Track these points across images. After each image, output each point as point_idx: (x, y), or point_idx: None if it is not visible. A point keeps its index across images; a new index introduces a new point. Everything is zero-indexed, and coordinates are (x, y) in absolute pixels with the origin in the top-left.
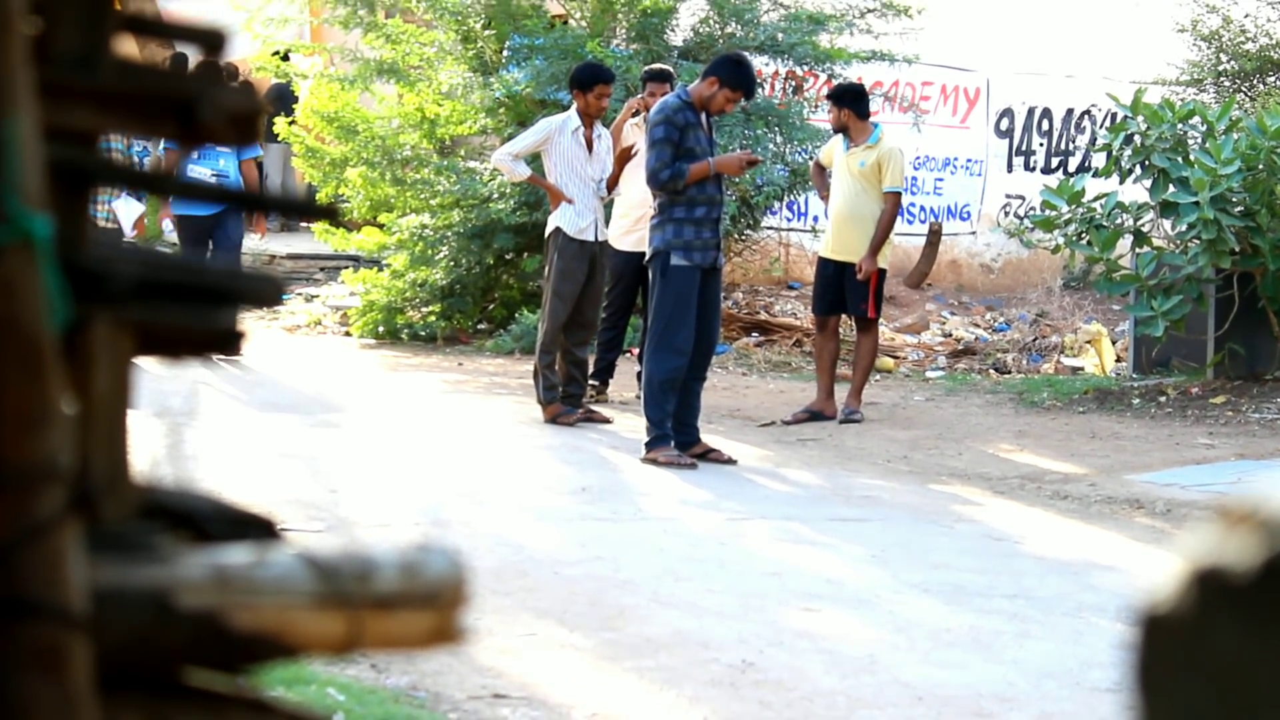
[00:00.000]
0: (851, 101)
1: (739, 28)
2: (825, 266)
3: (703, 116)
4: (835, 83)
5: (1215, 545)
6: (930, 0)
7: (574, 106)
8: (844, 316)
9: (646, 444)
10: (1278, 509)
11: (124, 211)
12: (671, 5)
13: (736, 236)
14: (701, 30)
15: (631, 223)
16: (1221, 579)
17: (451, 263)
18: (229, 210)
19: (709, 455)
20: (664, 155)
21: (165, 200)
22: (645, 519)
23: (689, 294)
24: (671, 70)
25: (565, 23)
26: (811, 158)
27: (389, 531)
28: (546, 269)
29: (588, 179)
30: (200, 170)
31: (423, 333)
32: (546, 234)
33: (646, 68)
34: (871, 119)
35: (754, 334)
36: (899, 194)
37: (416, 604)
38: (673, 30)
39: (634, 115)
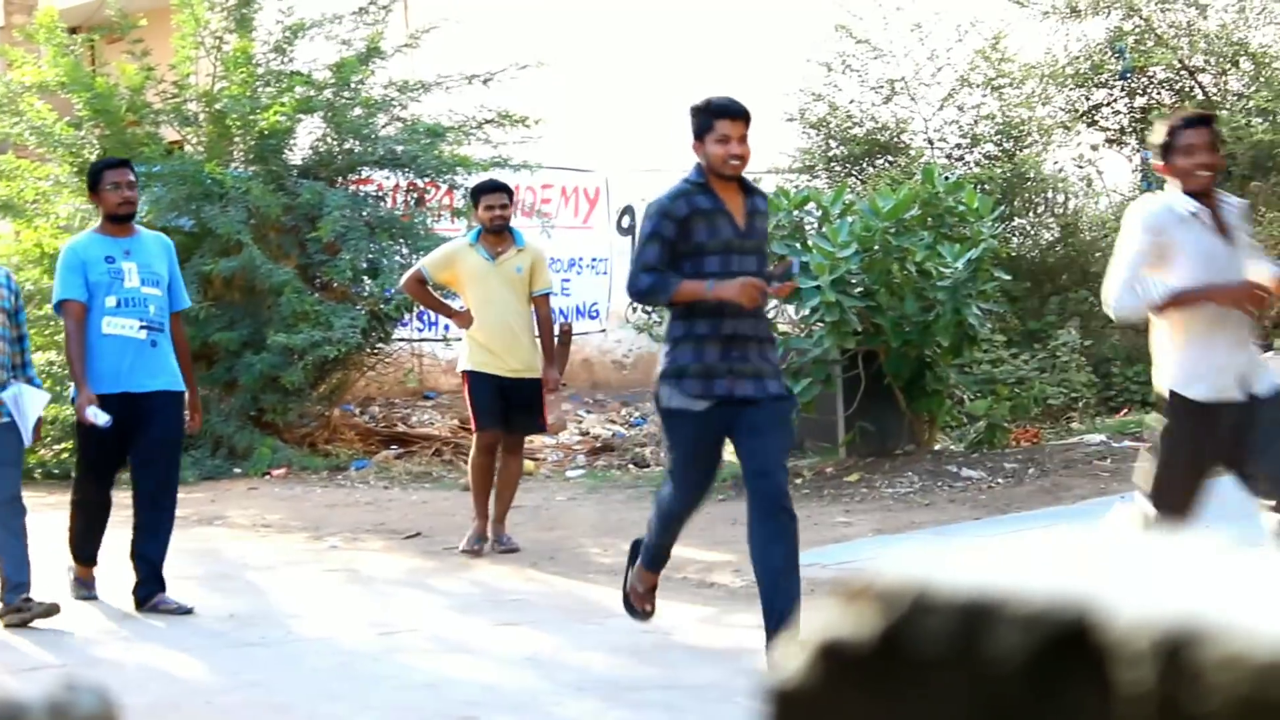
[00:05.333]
0: (510, 198)
1: (357, 143)
2: (487, 380)
3: (738, 199)
4: (456, 191)
5: (836, 619)
6: (547, 109)
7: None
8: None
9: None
10: (892, 582)
11: (30, 403)
12: (289, 125)
13: (369, 350)
14: (320, 148)
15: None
16: (842, 651)
17: None
18: (172, 391)
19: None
20: (649, 257)
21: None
22: (296, 640)
23: (684, 439)
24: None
25: (181, 148)
26: None
27: (38, 676)
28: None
29: None
30: (124, 323)
31: (55, 470)
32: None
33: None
34: None
35: (393, 446)
36: (550, 295)
37: None
38: (291, 149)
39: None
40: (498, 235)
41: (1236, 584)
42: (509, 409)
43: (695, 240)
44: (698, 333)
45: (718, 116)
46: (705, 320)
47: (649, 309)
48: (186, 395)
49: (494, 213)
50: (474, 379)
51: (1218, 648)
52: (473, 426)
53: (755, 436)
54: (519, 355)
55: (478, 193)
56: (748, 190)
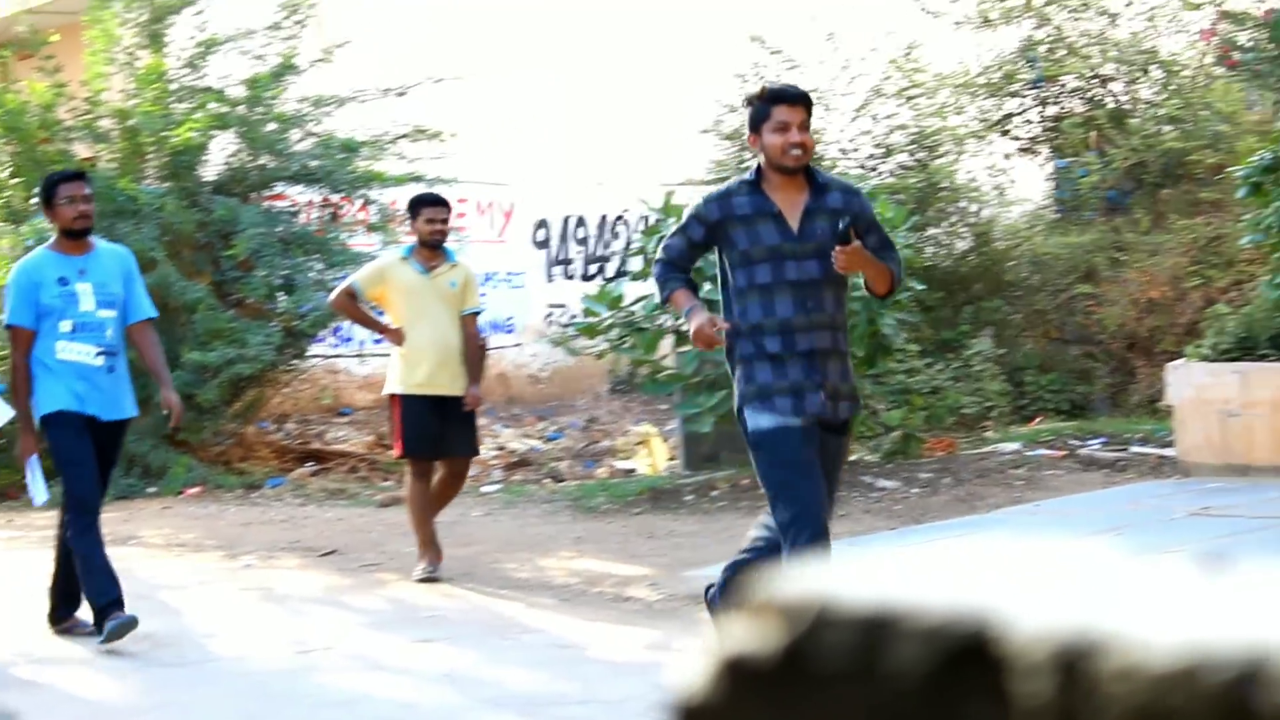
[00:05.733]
0: (449, 212)
1: (271, 159)
2: (419, 404)
3: (799, 197)
4: (370, 206)
5: (740, 632)
6: (461, 123)
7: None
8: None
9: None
10: (794, 596)
11: None
12: (202, 142)
13: (284, 367)
14: (234, 164)
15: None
16: (746, 666)
17: None
18: (129, 422)
19: None
20: (671, 249)
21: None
22: (212, 660)
23: (787, 451)
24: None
25: (94, 165)
26: None
27: None
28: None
29: None
30: (80, 349)
31: None
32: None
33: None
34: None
35: (309, 463)
36: (478, 314)
37: None
38: (204, 165)
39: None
40: (432, 250)
41: (1133, 594)
42: (444, 428)
43: (739, 248)
44: (770, 350)
45: (774, 102)
46: (774, 336)
47: (563, 324)
48: (162, 395)
49: (435, 226)
50: (406, 403)
51: (1114, 658)
52: (396, 452)
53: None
54: (451, 372)
55: (417, 204)
56: (818, 187)
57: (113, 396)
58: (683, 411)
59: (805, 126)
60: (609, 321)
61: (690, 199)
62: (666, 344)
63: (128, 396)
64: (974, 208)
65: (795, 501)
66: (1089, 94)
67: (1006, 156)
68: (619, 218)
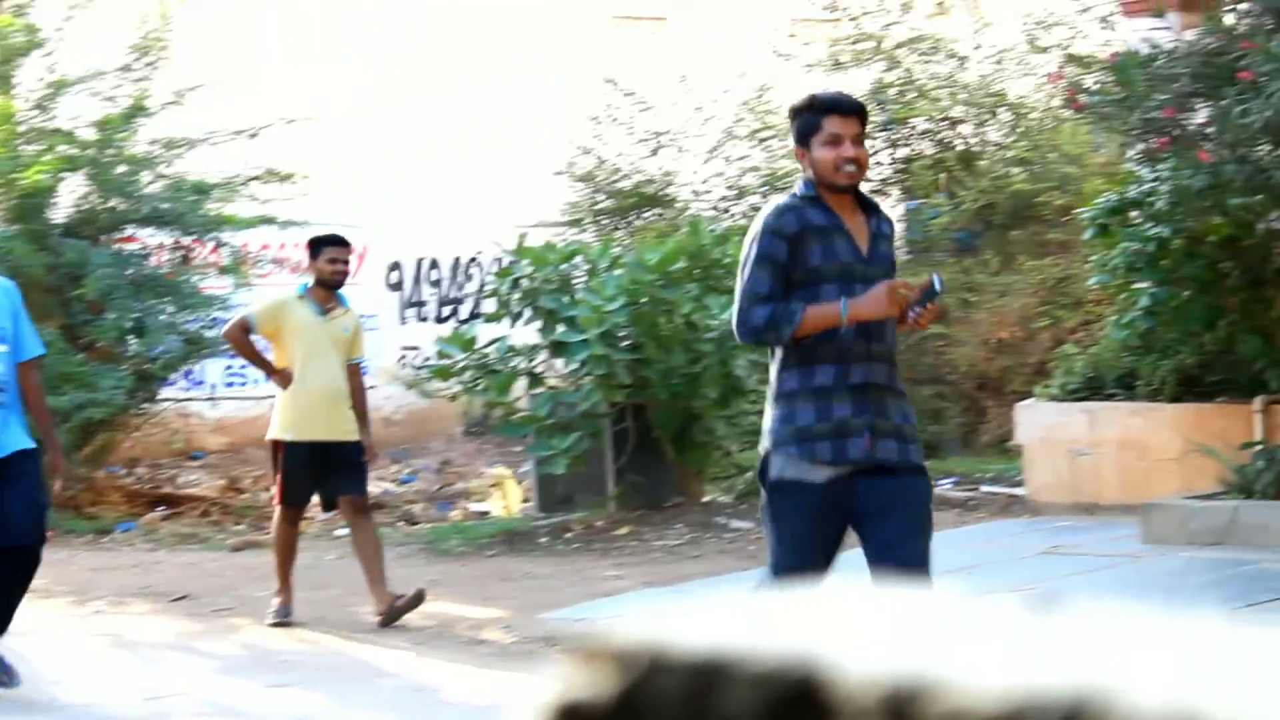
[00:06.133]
0: (350, 252)
1: (122, 201)
2: (304, 451)
3: (858, 217)
4: (221, 248)
5: (574, 679)
6: (312, 164)
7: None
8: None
9: None
10: (628, 641)
11: None
12: (51, 184)
13: (135, 411)
14: (83, 206)
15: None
16: (580, 712)
17: None
18: (27, 451)
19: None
20: (759, 285)
21: None
22: (61, 708)
23: (797, 522)
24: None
25: None
26: (209, 327)
27: None
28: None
29: None
30: None
31: None
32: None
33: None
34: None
35: (160, 508)
36: (361, 364)
37: None
38: (53, 208)
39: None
40: (328, 292)
41: (963, 637)
42: (330, 472)
43: (809, 264)
44: (818, 384)
45: (825, 113)
46: (827, 366)
47: (417, 367)
48: (48, 459)
49: (337, 266)
50: (291, 450)
51: (942, 702)
52: (277, 499)
53: (892, 522)
54: (338, 417)
55: (319, 244)
56: (868, 208)
57: (7, 428)
58: (536, 453)
59: (860, 140)
60: (463, 364)
61: (541, 239)
62: (520, 386)
63: (19, 429)
64: None
65: (779, 568)
66: (939, 136)
67: None
68: (472, 260)
